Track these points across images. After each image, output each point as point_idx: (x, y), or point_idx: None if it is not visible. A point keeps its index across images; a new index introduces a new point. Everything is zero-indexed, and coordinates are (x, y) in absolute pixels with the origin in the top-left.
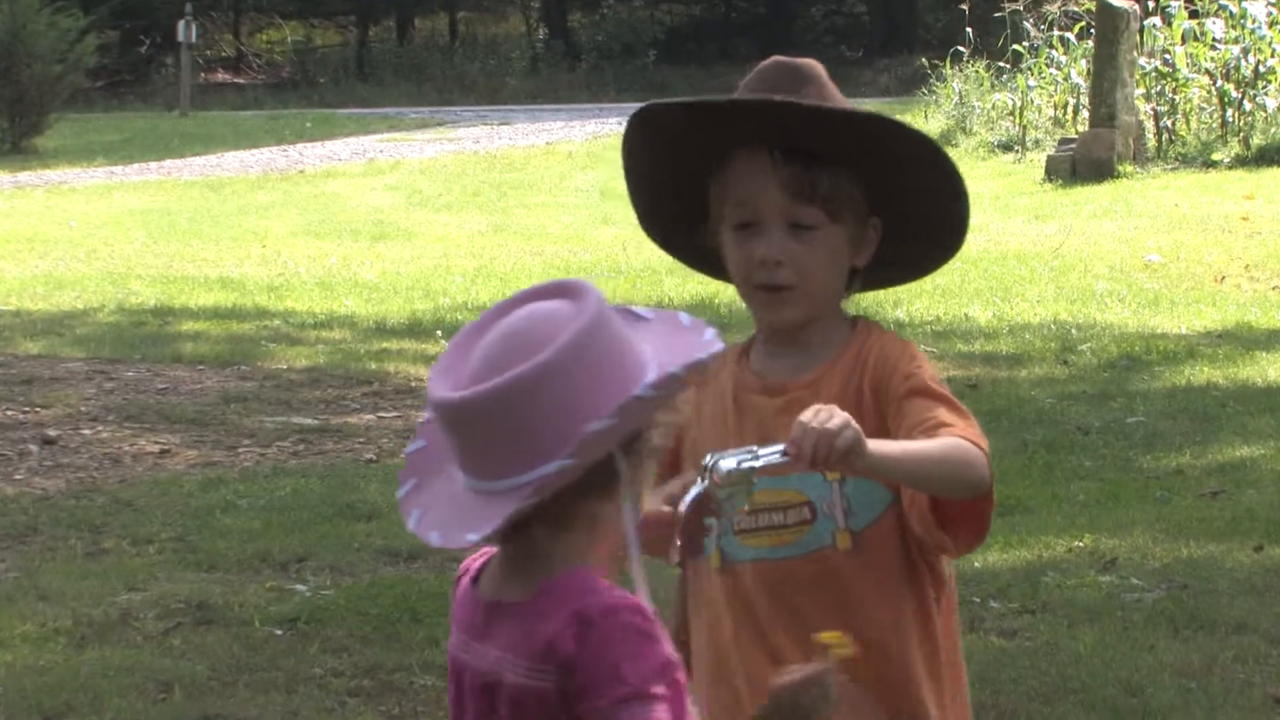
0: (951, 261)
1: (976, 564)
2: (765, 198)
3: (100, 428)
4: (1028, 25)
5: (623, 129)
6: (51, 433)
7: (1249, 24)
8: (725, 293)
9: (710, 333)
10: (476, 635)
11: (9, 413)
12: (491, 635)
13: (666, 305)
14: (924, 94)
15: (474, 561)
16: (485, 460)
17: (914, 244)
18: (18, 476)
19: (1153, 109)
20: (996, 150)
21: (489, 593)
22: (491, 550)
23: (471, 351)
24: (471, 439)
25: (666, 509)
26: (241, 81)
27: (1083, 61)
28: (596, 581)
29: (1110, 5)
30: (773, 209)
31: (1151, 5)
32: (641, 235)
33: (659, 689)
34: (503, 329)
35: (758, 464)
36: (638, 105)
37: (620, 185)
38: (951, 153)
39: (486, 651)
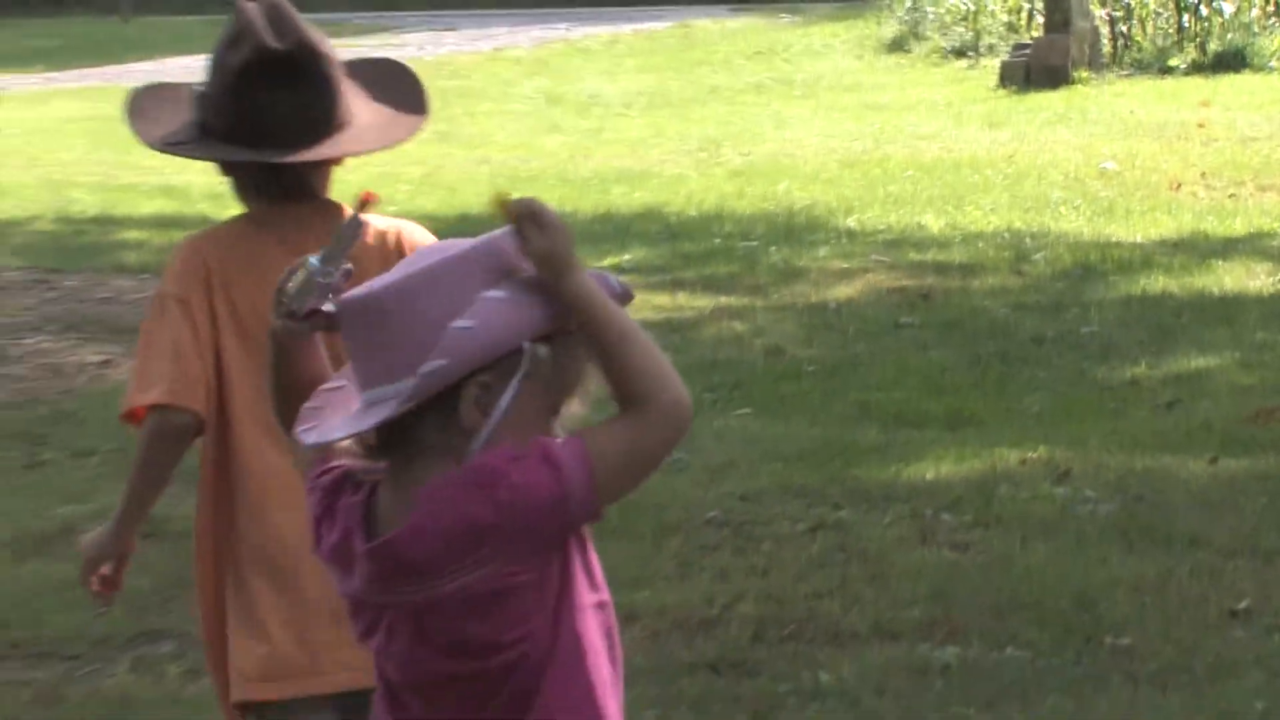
0: (902, 169)
1: (929, 476)
2: None
3: (41, 338)
4: None
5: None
6: None
7: None
8: (673, 202)
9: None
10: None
11: None
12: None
13: (614, 214)
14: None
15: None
16: (380, 363)
17: None
18: None
19: (1108, 14)
20: (950, 56)
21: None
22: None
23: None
24: (369, 340)
25: None
26: None
27: None
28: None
29: None
30: None
31: None
32: (589, 144)
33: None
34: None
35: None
36: (587, 10)
37: (567, 90)
38: (902, 60)
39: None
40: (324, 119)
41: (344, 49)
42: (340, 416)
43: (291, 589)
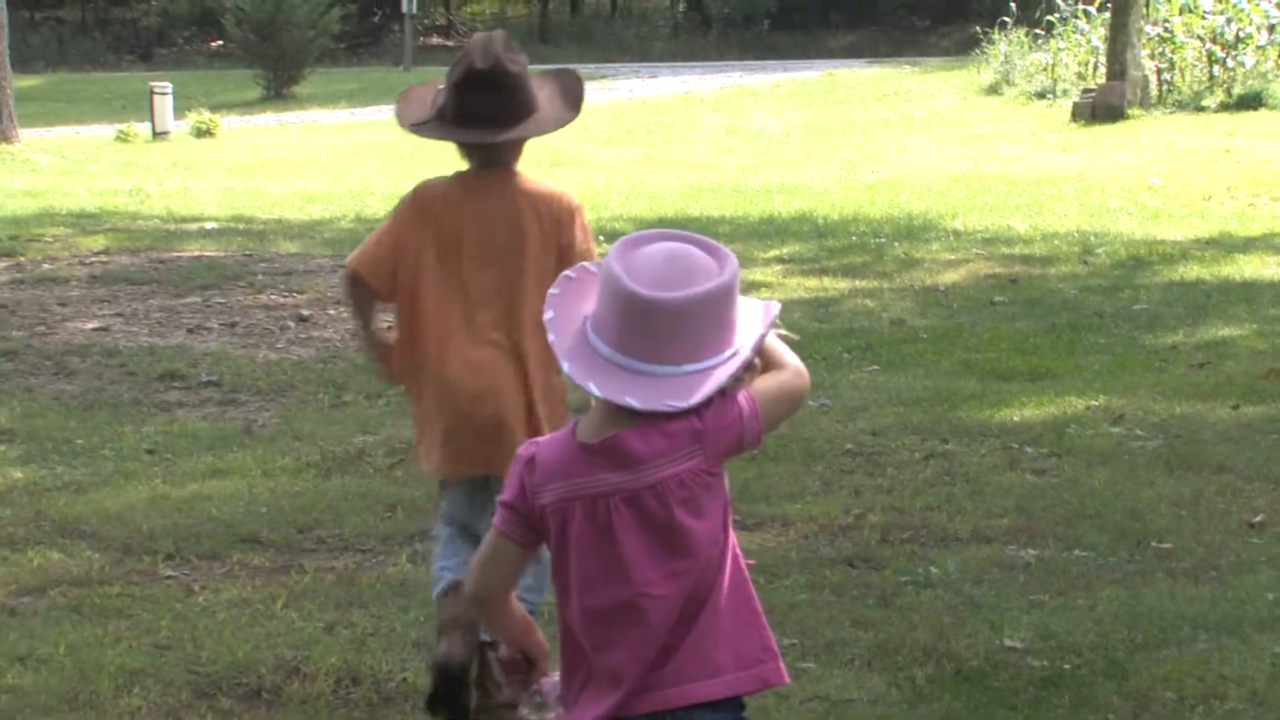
0: (996, 184)
1: (1015, 417)
2: None
3: (342, 309)
4: (1059, 0)
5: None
6: (305, 313)
7: None
8: (820, 208)
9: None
10: (594, 470)
11: (273, 297)
12: (615, 463)
13: (775, 218)
14: (977, 55)
15: (536, 447)
16: (682, 349)
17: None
18: (279, 346)
19: (1155, 66)
20: (1033, 98)
21: (594, 437)
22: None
23: (639, 262)
24: (674, 330)
25: None
26: (451, 44)
27: (1101, 29)
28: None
29: None
30: None
31: None
32: (758, 164)
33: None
34: (673, 253)
35: None
36: (755, 63)
37: (740, 124)
38: (997, 100)
39: (618, 475)
40: (512, 114)
41: None
42: (661, 387)
43: (450, 410)
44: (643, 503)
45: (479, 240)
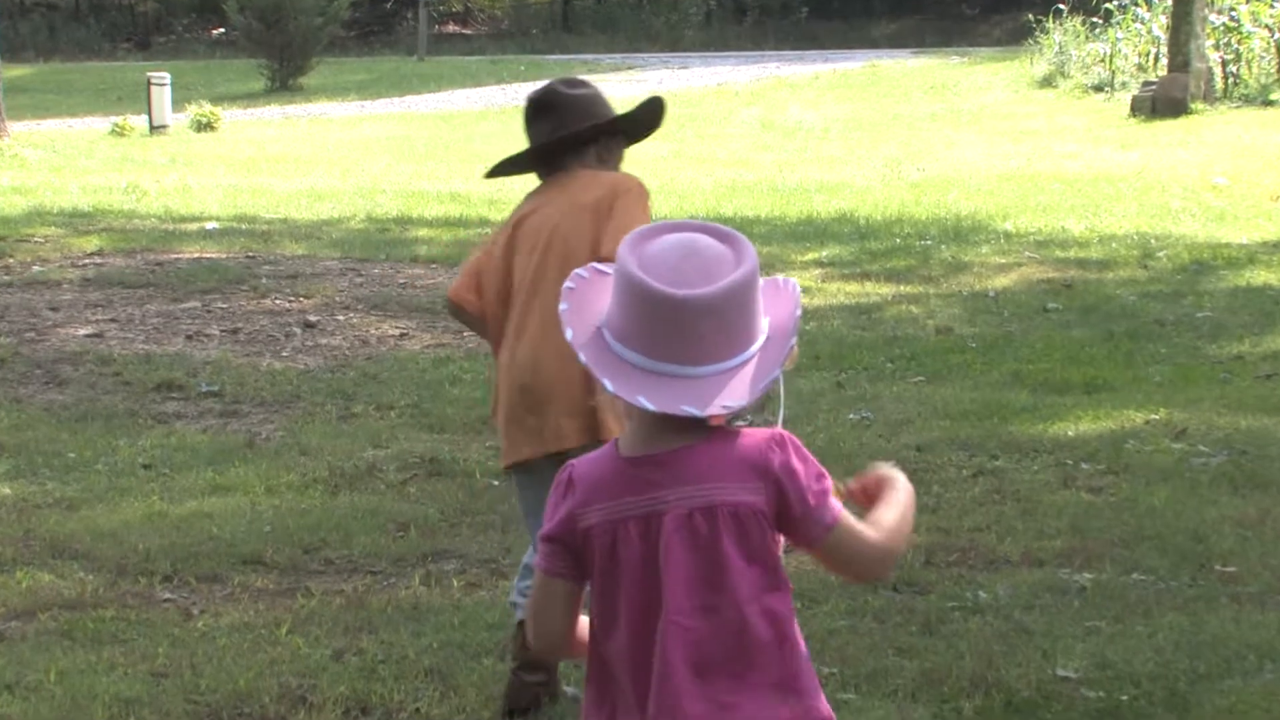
0: (1050, 182)
1: (1069, 432)
2: None
3: (351, 315)
4: None
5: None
6: (312, 318)
7: None
8: (862, 208)
9: (791, 283)
10: (646, 487)
11: (278, 302)
12: (669, 479)
13: (814, 218)
14: (1030, 45)
15: (572, 468)
16: (718, 345)
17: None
18: (284, 354)
19: (1221, 57)
20: (1090, 91)
21: (641, 450)
22: (577, 462)
23: (653, 259)
24: (710, 326)
25: None
26: (468, 32)
27: (1162, 17)
28: (747, 428)
29: None
30: None
31: None
32: (795, 160)
33: (827, 485)
34: (690, 246)
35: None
36: (793, 53)
37: (777, 118)
38: (1051, 94)
39: (673, 491)
40: (560, 126)
41: (599, 83)
42: (686, 387)
43: (506, 394)
44: (693, 523)
45: (542, 239)
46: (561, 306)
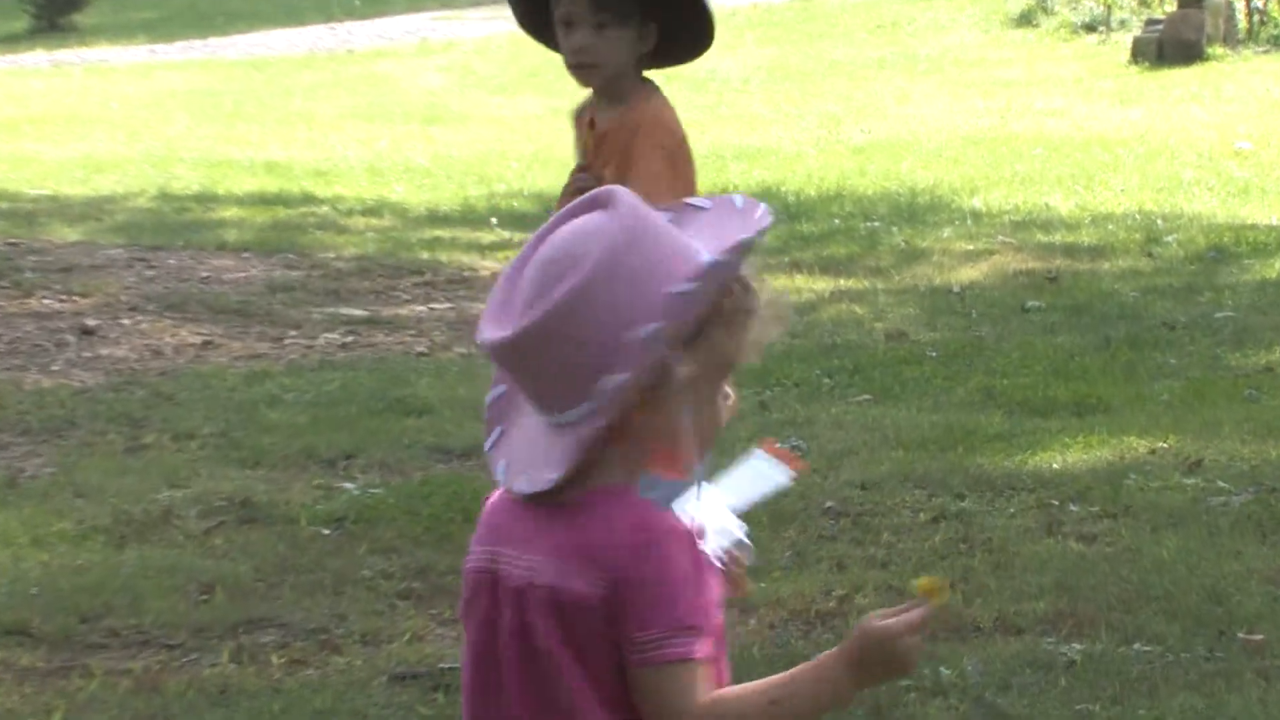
0: (1030, 147)
1: (1055, 465)
2: (577, 7)
3: (140, 318)
4: None
5: None
6: (90, 322)
7: None
8: (791, 181)
9: (761, 210)
10: (516, 541)
11: (46, 302)
12: (535, 540)
13: (731, 190)
14: None
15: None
16: (549, 393)
17: (679, 41)
18: (55, 368)
19: None
20: (1079, 31)
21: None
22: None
23: (516, 288)
24: (529, 375)
25: None
26: None
27: None
28: (645, 501)
29: None
30: (581, 14)
31: None
32: (706, 120)
33: (703, 622)
34: (539, 257)
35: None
36: None
37: (682, 67)
38: (1030, 34)
39: (526, 557)
40: None
41: (455, 21)
42: (532, 449)
43: None
44: (526, 604)
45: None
46: None
